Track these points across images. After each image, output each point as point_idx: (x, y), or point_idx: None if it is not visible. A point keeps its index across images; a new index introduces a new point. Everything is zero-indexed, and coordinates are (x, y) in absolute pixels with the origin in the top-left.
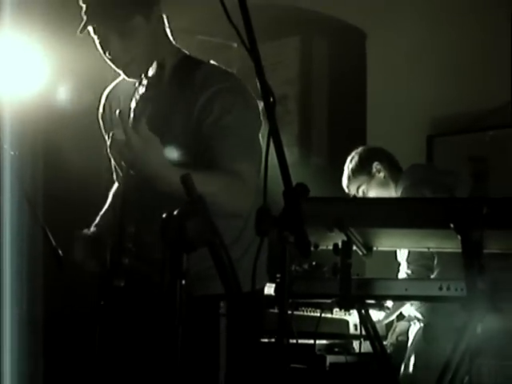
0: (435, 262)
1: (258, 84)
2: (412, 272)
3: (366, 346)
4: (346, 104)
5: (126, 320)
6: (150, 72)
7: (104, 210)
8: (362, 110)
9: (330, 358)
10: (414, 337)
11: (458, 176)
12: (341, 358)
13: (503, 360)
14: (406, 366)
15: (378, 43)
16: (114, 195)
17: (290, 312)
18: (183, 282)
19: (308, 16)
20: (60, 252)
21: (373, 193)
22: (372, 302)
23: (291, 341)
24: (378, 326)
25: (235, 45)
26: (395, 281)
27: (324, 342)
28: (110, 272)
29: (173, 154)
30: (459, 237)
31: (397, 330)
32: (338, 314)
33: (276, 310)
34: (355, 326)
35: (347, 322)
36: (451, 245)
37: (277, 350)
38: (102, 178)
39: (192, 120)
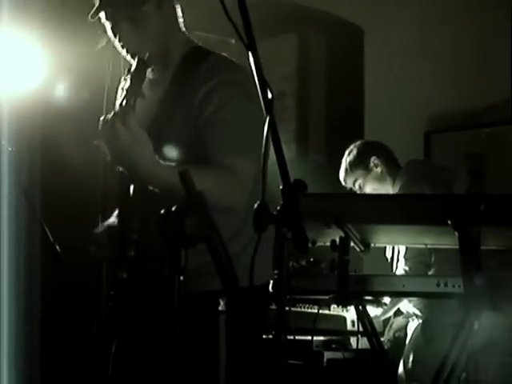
0: (433, 258)
1: (256, 80)
2: (409, 268)
3: (364, 343)
4: (343, 100)
5: (126, 315)
6: (133, 67)
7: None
8: (359, 107)
9: (327, 355)
10: (413, 333)
11: (454, 172)
12: (338, 355)
13: (500, 357)
14: (405, 363)
15: (376, 40)
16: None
17: (287, 308)
18: (181, 278)
19: (306, 12)
20: (57, 248)
21: (369, 187)
22: (369, 298)
23: (289, 337)
24: (375, 322)
25: (233, 41)
26: (393, 277)
27: (321, 338)
28: (115, 263)
29: (174, 148)
30: (456, 233)
31: (394, 326)
32: (335, 310)
33: (274, 307)
34: (353, 322)
35: (345, 319)
36: (448, 241)
37: (274, 346)
38: (100, 174)
39: (192, 113)
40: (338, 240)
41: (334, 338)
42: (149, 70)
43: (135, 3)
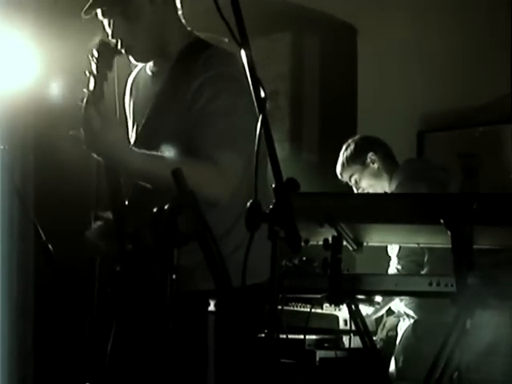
0: (426, 258)
1: (249, 79)
2: (402, 267)
3: (356, 341)
4: (336, 100)
5: (121, 309)
6: (95, 51)
7: None
8: (352, 106)
9: (319, 353)
10: (404, 333)
11: (451, 172)
12: (330, 353)
13: (492, 355)
14: (396, 362)
15: (369, 39)
16: None
17: (280, 307)
18: (174, 276)
19: (299, 11)
20: (50, 247)
21: (365, 182)
22: (362, 297)
23: (281, 336)
24: (367, 321)
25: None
26: (385, 276)
27: (314, 337)
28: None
29: (169, 140)
30: (449, 232)
31: (387, 325)
32: (327, 309)
33: (266, 305)
34: (345, 321)
35: (337, 317)
36: (441, 240)
37: (267, 344)
38: (93, 173)
39: (185, 105)
40: (330, 239)
41: (326, 336)
42: (150, 63)
43: None
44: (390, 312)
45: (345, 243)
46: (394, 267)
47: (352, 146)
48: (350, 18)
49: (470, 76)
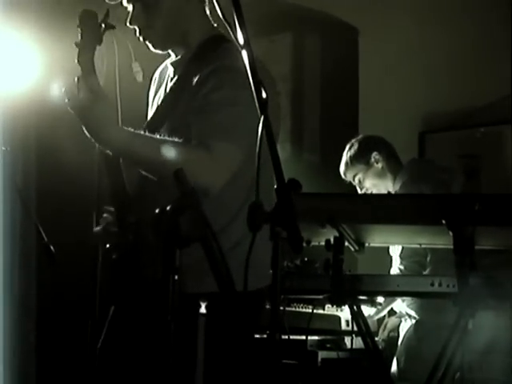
0: (428, 258)
1: (251, 80)
2: (405, 268)
3: (358, 342)
4: (338, 100)
5: (122, 312)
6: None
7: None
8: (354, 107)
9: (321, 354)
10: (405, 333)
11: (454, 173)
12: (332, 354)
13: (492, 354)
14: (398, 362)
15: (371, 40)
16: None
17: (281, 308)
18: (176, 277)
19: (300, 12)
20: (52, 248)
21: (369, 182)
22: (364, 297)
23: (283, 336)
24: (369, 321)
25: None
26: (387, 277)
27: (316, 337)
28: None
29: (175, 128)
30: (451, 233)
31: (388, 325)
32: (329, 309)
33: (268, 306)
34: (347, 321)
35: (339, 318)
36: (443, 241)
37: (269, 345)
38: (95, 174)
39: (191, 94)
40: (332, 240)
41: (328, 337)
42: (172, 56)
43: None
44: (392, 312)
45: (346, 244)
46: (396, 267)
47: (356, 146)
48: (351, 18)
49: (471, 77)
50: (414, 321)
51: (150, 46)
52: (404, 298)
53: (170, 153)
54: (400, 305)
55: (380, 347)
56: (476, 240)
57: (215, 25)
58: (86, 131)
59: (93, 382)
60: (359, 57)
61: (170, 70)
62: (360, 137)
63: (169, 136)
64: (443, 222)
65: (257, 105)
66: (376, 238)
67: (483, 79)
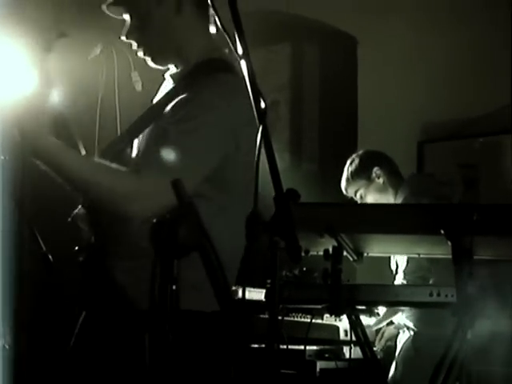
0: (431, 272)
1: (250, 90)
2: (407, 282)
3: (357, 352)
4: (336, 110)
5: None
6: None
7: None
8: (353, 116)
9: (320, 364)
10: (403, 345)
11: (453, 185)
12: (331, 364)
13: (493, 366)
14: (395, 374)
15: (369, 49)
16: None
17: (280, 318)
18: (174, 287)
19: (299, 22)
20: (50, 257)
21: (370, 197)
22: (362, 307)
23: (281, 346)
24: (367, 331)
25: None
26: (386, 287)
27: (314, 347)
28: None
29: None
30: (449, 243)
31: (385, 335)
32: (328, 319)
33: (266, 316)
34: (345, 331)
35: (337, 328)
36: (442, 251)
37: (267, 355)
38: None
39: (158, 118)
40: (330, 249)
41: (326, 347)
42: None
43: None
44: (390, 323)
45: (345, 253)
46: (399, 281)
47: (357, 161)
48: (349, 28)
49: (471, 86)
50: (411, 332)
51: (148, 61)
52: (403, 308)
53: (97, 174)
54: (398, 316)
55: (378, 357)
56: (474, 250)
57: (217, 43)
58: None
59: None
60: (358, 66)
61: (169, 82)
62: (361, 152)
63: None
64: (442, 231)
65: (255, 115)
66: (375, 248)
67: (482, 88)
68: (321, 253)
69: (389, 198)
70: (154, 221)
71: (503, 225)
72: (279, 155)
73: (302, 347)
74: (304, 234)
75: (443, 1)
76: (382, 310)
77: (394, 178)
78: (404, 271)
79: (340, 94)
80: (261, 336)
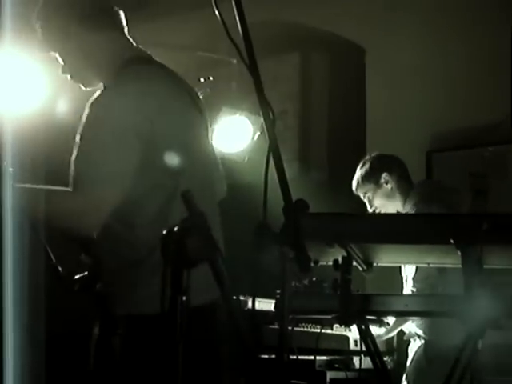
0: (441, 281)
1: (258, 100)
2: (417, 290)
3: (367, 362)
4: (345, 119)
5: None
6: None
7: None
8: (361, 126)
9: (330, 374)
10: (414, 354)
11: (462, 194)
12: (341, 374)
13: (503, 375)
14: (407, 383)
15: (377, 59)
16: None
17: (290, 328)
18: (183, 298)
19: (307, 32)
20: (60, 269)
21: (377, 202)
22: (372, 317)
23: (291, 357)
24: (377, 341)
25: (234, 61)
26: (395, 296)
27: (324, 357)
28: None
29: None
30: (459, 252)
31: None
32: (338, 329)
33: (276, 326)
34: (355, 341)
35: (347, 338)
36: (452, 260)
37: (277, 366)
38: None
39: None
40: (340, 259)
41: (336, 357)
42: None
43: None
44: (400, 333)
45: (355, 264)
46: (409, 289)
47: (367, 165)
48: (358, 38)
49: (479, 96)
50: (423, 341)
51: (82, 87)
52: (412, 318)
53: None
54: (409, 325)
55: (389, 367)
56: (484, 259)
57: (135, 44)
58: None
59: None
60: (366, 76)
61: None
62: (374, 155)
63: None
64: (451, 241)
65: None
66: (384, 258)
67: (491, 98)
68: (330, 263)
69: (396, 204)
70: (164, 232)
71: None
72: (288, 165)
73: (312, 357)
74: (313, 244)
75: (452, 11)
76: (391, 319)
77: (404, 185)
78: (413, 278)
79: (349, 103)
80: (270, 346)
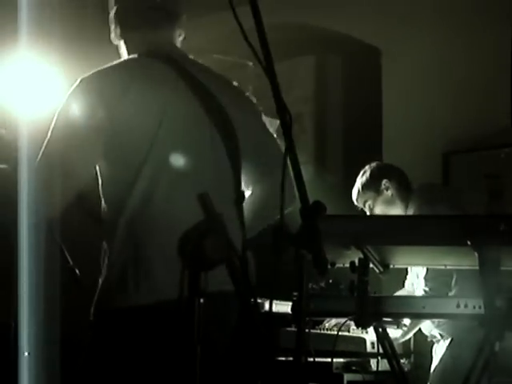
0: (454, 279)
1: (275, 102)
2: (430, 289)
3: (384, 364)
4: (361, 122)
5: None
6: None
7: None
8: (377, 128)
9: (347, 377)
10: (442, 356)
11: (472, 194)
12: (358, 377)
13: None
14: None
15: (393, 61)
16: None
17: (307, 330)
18: (201, 300)
19: (323, 34)
20: (77, 271)
21: (378, 209)
22: (389, 319)
23: (308, 359)
24: (394, 343)
25: (251, 64)
26: (412, 298)
27: (341, 360)
28: None
29: None
30: (476, 254)
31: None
32: (355, 332)
33: (293, 329)
34: (372, 343)
35: (364, 340)
36: (468, 262)
37: (294, 368)
38: None
39: None
40: (357, 261)
41: (353, 359)
42: None
43: None
44: (417, 335)
45: (371, 265)
46: (421, 289)
47: (367, 173)
48: (373, 40)
49: (495, 97)
50: (447, 341)
51: None
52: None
53: None
54: (429, 327)
55: (406, 369)
56: (502, 261)
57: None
58: None
59: None
60: (382, 78)
61: None
62: (372, 164)
63: None
64: (468, 242)
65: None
66: (401, 260)
67: (507, 99)
68: (347, 265)
69: (397, 210)
70: (182, 234)
71: None
72: (304, 167)
73: (329, 360)
74: (330, 247)
75: (467, 13)
76: (408, 321)
77: (404, 191)
78: (425, 278)
79: (364, 105)
80: (287, 349)
